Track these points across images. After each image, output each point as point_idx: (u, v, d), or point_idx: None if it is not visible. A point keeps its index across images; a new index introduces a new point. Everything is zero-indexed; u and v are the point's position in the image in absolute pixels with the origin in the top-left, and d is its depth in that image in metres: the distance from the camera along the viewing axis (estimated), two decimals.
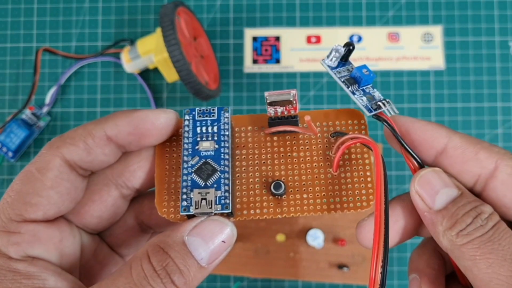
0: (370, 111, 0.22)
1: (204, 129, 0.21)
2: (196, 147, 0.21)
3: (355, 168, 0.22)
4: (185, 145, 0.21)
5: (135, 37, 0.46)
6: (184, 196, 0.20)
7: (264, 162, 0.22)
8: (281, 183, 0.21)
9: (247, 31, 0.46)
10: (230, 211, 0.20)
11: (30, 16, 0.47)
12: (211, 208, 0.20)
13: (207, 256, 0.20)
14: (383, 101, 0.22)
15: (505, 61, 0.45)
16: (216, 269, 0.43)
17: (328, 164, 0.22)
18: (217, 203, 0.20)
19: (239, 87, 0.46)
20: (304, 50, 0.46)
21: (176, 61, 0.38)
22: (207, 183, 0.20)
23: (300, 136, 0.23)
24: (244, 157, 0.22)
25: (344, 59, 0.24)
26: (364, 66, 0.23)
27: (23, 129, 0.44)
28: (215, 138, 0.21)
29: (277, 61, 0.46)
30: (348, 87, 0.23)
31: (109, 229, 0.23)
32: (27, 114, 0.44)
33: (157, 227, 0.24)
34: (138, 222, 0.24)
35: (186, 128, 0.22)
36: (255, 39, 0.46)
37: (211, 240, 0.20)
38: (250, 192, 0.22)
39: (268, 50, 0.46)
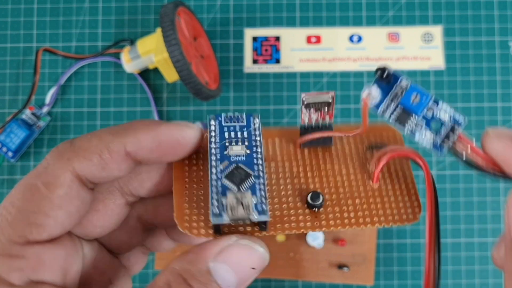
0: (441, 150, 0.18)
1: (232, 134, 0.20)
2: (225, 152, 0.19)
3: (396, 181, 0.21)
4: (212, 150, 0.19)
5: (135, 37, 0.46)
6: (215, 202, 0.18)
7: (296, 176, 0.20)
8: (319, 194, 0.19)
9: (247, 31, 0.46)
10: (269, 218, 0.18)
11: (30, 16, 0.47)
12: (249, 213, 0.18)
13: (234, 284, 0.18)
14: (455, 126, 0.18)
15: (505, 61, 0.45)
16: None
17: (366, 177, 0.20)
18: (254, 209, 0.18)
19: (239, 87, 0.46)
20: (304, 50, 0.46)
21: (176, 61, 0.38)
22: (241, 188, 0.18)
23: (332, 149, 0.21)
24: (273, 170, 0.20)
25: (386, 83, 0.19)
26: (413, 89, 0.18)
27: (23, 129, 0.44)
28: (246, 143, 0.19)
29: (277, 61, 0.46)
30: (404, 127, 0.19)
31: (109, 233, 0.21)
32: (27, 114, 0.44)
33: (163, 224, 0.22)
34: (141, 222, 0.22)
35: (212, 133, 0.19)
36: (255, 39, 0.46)
37: (239, 268, 0.18)
38: (283, 206, 0.20)
39: (268, 50, 0.46)
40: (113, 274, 0.22)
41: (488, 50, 0.46)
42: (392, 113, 0.19)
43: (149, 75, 0.46)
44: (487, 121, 0.45)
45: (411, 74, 0.45)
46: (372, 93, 0.19)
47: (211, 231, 0.18)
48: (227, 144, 0.19)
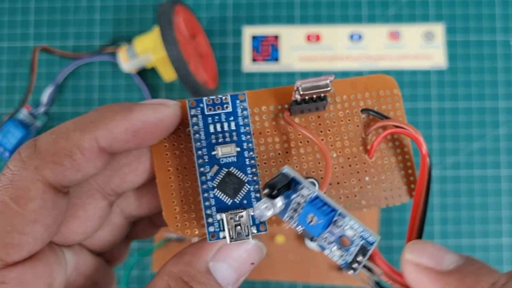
0: (353, 270, 0.16)
1: (218, 126, 0.17)
2: (213, 153, 0.17)
3: (392, 154, 0.19)
4: (198, 152, 0.17)
5: (133, 36, 0.45)
6: (210, 219, 0.17)
7: (288, 153, 0.18)
8: (314, 181, 0.18)
9: (246, 30, 0.46)
10: (267, 230, 0.17)
11: (27, 15, 0.46)
12: (248, 235, 0.17)
13: (233, 280, 0.17)
14: (366, 246, 0.16)
15: (506, 60, 0.45)
16: None
17: (362, 149, 0.19)
18: (252, 224, 0.17)
19: (238, 86, 0.45)
20: (303, 48, 0.46)
21: (174, 60, 0.37)
22: (235, 200, 0.17)
23: (326, 115, 0.19)
24: (263, 148, 0.18)
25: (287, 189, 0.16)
26: (308, 209, 0.16)
27: (20, 129, 0.43)
28: (234, 138, 0.17)
29: (276, 60, 0.45)
30: (312, 241, 0.16)
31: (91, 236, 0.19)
32: (24, 113, 0.44)
33: (147, 213, 0.21)
34: (124, 217, 0.20)
35: (195, 127, 0.17)
36: (254, 37, 0.46)
37: (239, 265, 0.17)
38: None
39: (267, 49, 0.46)
40: (98, 275, 0.20)
41: (490, 49, 0.45)
42: (296, 226, 0.16)
43: (147, 74, 0.45)
44: (488, 120, 0.44)
45: (412, 73, 0.45)
46: (275, 209, 0.16)
47: (205, 230, 0.17)
48: (213, 141, 0.17)
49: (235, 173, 0.17)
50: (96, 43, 0.46)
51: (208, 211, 0.17)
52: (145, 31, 0.45)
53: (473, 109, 0.45)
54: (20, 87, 0.46)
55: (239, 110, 0.18)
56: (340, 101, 0.19)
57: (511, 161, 0.44)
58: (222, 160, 0.17)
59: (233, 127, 0.18)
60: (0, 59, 0.46)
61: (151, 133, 0.17)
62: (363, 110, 0.19)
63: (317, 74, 0.45)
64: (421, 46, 0.45)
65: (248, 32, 0.46)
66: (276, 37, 0.46)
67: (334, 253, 0.16)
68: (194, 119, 0.17)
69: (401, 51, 0.45)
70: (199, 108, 0.17)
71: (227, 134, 0.17)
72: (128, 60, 0.43)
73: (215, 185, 0.17)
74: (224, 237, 0.17)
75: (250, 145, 0.18)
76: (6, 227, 0.15)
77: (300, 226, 0.16)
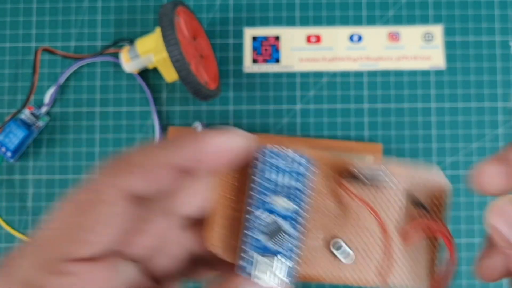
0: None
1: (280, 178, 0.18)
2: (267, 199, 0.18)
3: (421, 245, 0.19)
4: (253, 192, 0.18)
5: (135, 36, 0.46)
6: (245, 255, 0.18)
7: (330, 217, 0.19)
8: (347, 248, 0.19)
9: (246, 31, 0.46)
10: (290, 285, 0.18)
11: (29, 16, 0.47)
12: (275, 282, 0.17)
13: None
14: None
15: (505, 60, 0.45)
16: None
17: (400, 234, 0.19)
18: (284, 275, 0.18)
19: (238, 86, 0.46)
20: (304, 49, 0.46)
21: (175, 61, 0.38)
22: (276, 247, 0.18)
23: (382, 194, 0.19)
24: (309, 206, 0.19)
25: None
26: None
27: (22, 129, 0.44)
28: (292, 194, 0.18)
29: (277, 60, 0.46)
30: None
31: (152, 258, 0.20)
32: (26, 114, 0.44)
33: (211, 259, 0.21)
34: (188, 252, 0.21)
35: (256, 171, 0.18)
36: (254, 38, 0.46)
37: None
38: (313, 253, 0.19)
39: (268, 49, 0.46)
40: None
41: (489, 50, 0.45)
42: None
43: (148, 75, 0.46)
44: (487, 121, 0.45)
45: (412, 73, 0.45)
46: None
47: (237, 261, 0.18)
48: (272, 187, 0.18)
49: (283, 227, 0.18)
50: (97, 43, 0.46)
51: (247, 248, 0.18)
52: (147, 32, 0.46)
53: (472, 109, 0.45)
54: (22, 87, 0.46)
55: (303, 171, 0.18)
56: (393, 185, 0.19)
57: None
58: (274, 209, 0.18)
59: (293, 183, 0.18)
60: (2, 59, 0.46)
61: (220, 157, 0.18)
62: (414, 201, 0.19)
63: (318, 74, 0.46)
64: (420, 47, 0.46)
65: (249, 33, 0.46)
66: (276, 38, 0.46)
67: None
68: (257, 163, 0.18)
69: (401, 51, 0.46)
70: (264, 154, 0.18)
71: (285, 189, 0.18)
72: (129, 61, 0.43)
73: (260, 228, 0.18)
74: (250, 274, 0.17)
75: (304, 205, 0.18)
76: (80, 224, 0.16)
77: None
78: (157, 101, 0.45)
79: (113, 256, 0.18)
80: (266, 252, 0.18)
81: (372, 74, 0.46)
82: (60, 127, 0.46)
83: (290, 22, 0.46)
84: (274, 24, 0.46)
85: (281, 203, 0.18)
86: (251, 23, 0.46)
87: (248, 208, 0.18)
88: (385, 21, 0.46)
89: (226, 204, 0.19)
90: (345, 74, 0.46)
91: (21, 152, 0.45)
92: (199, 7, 0.46)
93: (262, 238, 0.18)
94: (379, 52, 0.46)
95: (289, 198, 0.18)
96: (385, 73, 0.46)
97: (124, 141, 0.45)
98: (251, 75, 0.46)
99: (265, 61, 0.46)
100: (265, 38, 0.46)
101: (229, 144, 0.18)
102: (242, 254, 0.18)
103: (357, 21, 0.46)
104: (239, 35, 0.46)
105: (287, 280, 0.18)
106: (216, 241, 0.18)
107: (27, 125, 0.44)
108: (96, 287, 0.17)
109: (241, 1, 0.46)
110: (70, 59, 0.46)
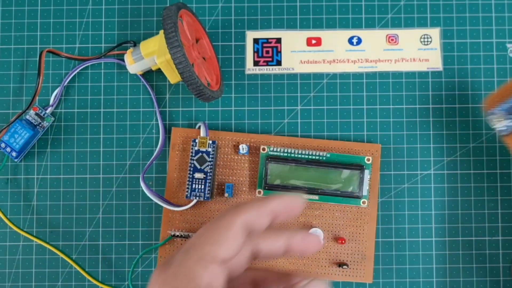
0: None
1: None
2: None
3: None
4: None
5: (138, 38, 0.46)
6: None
7: None
8: None
9: (248, 33, 0.47)
10: None
11: (33, 18, 0.47)
12: None
13: None
14: None
15: (503, 63, 0.46)
16: None
17: None
18: None
19: (240, 88, 0.46)
20: (304, 52, 0.47)
21: (178, 63, 0.38)
22: None
23: None
24: None
25: None
26: None
27: (27, 130, 0.44)
28: None
29: (278, 62, 0.46)
30: None
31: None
32: (31, 114, 0.45)
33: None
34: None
35: None
36: (256, 41, 0.47)
37: None
38: None
39: (269, 52, 0.47)
40: None
41: (486, 51, 0.46)
42: None
43: (152, 76, 0.46)
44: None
45: (410, 75, 0.46)
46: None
47: None
48: None
49: None
50: (101, 45, 0.47)
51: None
52: (150, 33, 0.46)
53: (469, 109, 0.46)
54: (27, 88, 0.47)
55: None
56: None
57: (507, 161, 0.45)
58: None
59: None
60: (7, 60, 0.47)
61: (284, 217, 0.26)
62: None
63: (318, 76, 0.46)
64: (418, 49, 0.46)
65: (250, 35, 0.47)
66: (277, 41, 0.47)
67: None
68: None
69: (399, 53, 0.46)
70: None
71: None
72: (133, 63, 0.44)
73: None
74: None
75: None
76: (217, 239, 0.24)
77: None
78: (160, 101, 0.46)
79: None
80: None
81: (371, 75, 0.46)
82: (64, 127, 0.46)
83: (291, 25, 0.47)
84: (275, 27, 0.47)
85: None
86: (253, 25, 0.47)
87: None
88: (384, 24, 0.47)
89: None
90: (344, 76, 0.46)
91: (25, 152, 0.45)
92: (201, 10, 0.47)
93: None
94: (378, 54, 0.46)
95: None
96: (384, 75, 0.46)
97: (127, 141, 0.46)
98: (253, 77, 0.47)
99: (267, 63, 0.46)
100: (267, 41, 0.47)
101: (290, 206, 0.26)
102: None
103: (357, 24, 0.47)
104: (241, 37, 0.47)
105: None
106: None
107: (32, 126, 0.45)
108: (222, 280, 0.23)
109: (242, 4, 0.47)
110: (75, 60, 0.46)
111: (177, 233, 0.43)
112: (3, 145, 0.44)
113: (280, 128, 0.46)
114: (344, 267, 0.43)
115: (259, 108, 0.46)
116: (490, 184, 0.45)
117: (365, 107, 0.46)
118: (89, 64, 0.46)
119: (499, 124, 0.33)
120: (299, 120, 0.46)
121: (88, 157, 0.46)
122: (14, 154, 0.44)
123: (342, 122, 0.46)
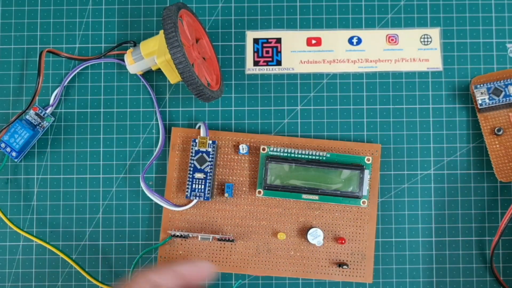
0: None
1: None
2: None
3: None
4: None
5: (138, 38, 0.46)
6: None
7: None
8: None
9: (248, 33, 0.47)
10: None
11: (34, 18, 0.47)
12: None
13: None
14: None
15: (503, 63, 0.46)
16: (218, 267, 0.43)
17: None
18: None
19: (240, 88, 0.46)
20: (304, 52, 0.47)
21: (178, 63, 0.38)
22: None
23: None
24: None
25: None
26: None
27: (27, 130, 0.44)
28: None
29: (278, 62, 0.46)
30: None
31: None
32: (31, 114, 0.45)
33: None
34: None
35: None
36: (256, 41, 0.47)
37: None
38: None
39: (269, 52, 0.47)
40: None
41: (486, 51, 0.46)
42: None
43: (152, 76, 0.46)
44: None
45: (410, 75, 0.46)
46: None
47: None
48: None
49: None
50: (101, 45, 0.47)
51: None
52: (150, 33, 0.46)
53: (469, 109, 0.46)
54: (27, 88, 0.47)
55: None
56: None
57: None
58: None
59: None
60: (7, 60, 0.47)
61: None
62: None
63: (318, 76, 0.46)
64: (418, 49, 0.46)
65: (250, 35, 0.47)
66: (277, 41, 0.47)
67: None
68: None
69: (399, 53, 0.46)
70: None
71: None
72: (133, 63, 0.44)
73: None
74: None
75: None
76: None
77: None
78: (160, 101, 0.46)
79: None
80: None
81: (371, 75, 0.46)
82: (64, 127, 0.46)
83: (291, 25, 0.47)
84: (275, 27, 0.47)
85: None
86: (253, 25, 0.47)
87: None
88: (384, 24, 0.47)
89: None
90: (344, 76, 0.46)
91: (25, 152, 0.45)
92: (201, 9, 0.47)
93: None
94: (378, 54, 0.46)
95: None
96: (384, 75, 0.46)
97: (127, 141, 0.46)
98: (253, 77, 0.47)
99: (267, 63, 0.46)
100: (267, 41, 0.47)
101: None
102: None
103: (357, 24, 0.47)
104: (240, 37, 0.47)
105: None
106: None
107: (32, 126, 0.45)
108: None
109: (242, 3, 0.47)
110: (74, 60, 0.46)
111: (177, 233, 0.43)
112: (3, 145, 0.44)
113: (280, 128, 0.46)
114: (344, 267, 0.43)
115: (259, 108, 0.46)
116: (490, 184, 0.45)
117: (365, 107, 0.46)
118: (89, 64, 0.46)
119: (481, 97, 0.40)
120: (299, 120, 0.46)
121: (88, 157, 0.46)
122: (14, 154, 0.44)
123: (342, 122, 0.46)
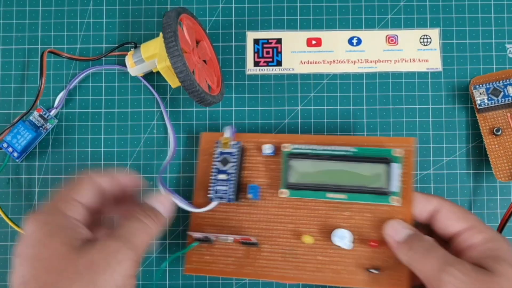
0: None
1: None
2: None
3: None
4: None
5: (139, 39, 0.47)
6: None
7: None
8: None
9: (248, 34, 0.47)
10: None
11: (35, 18, 0.47)
12: None
13: None
14: None
15: (502, 63, 0.46)
16: (242, 274, 0.41)
17: None
18: None
19: (241, 88, 0.47)
20: (304, 52, 0.47)
21: (179, 72, 0.38)
22: None
23: None
24: None
25: None
26: None
27: (30, 131, 0.44)
28: None
29: (278, 63, 0.47)
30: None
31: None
32: (34, 116, 0.45)
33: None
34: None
35: None
36: (256, 41, 0.47)
37: None
38: None
39: (270, 52, 0.47)
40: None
41: (485, 52, 0.46)
42: None
43: (153, 77, 0.46)
44: None
45: (409, 75, 0.46)
46: None
47: None
48: None
49: None
50: (102, 45, 0.47)
51: None
52: (151, 34, 0.46)
53: (469, 109, 0.46)
54: (28, 88, 0.47)
55: None
56: None
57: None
58: None
59: None
60: (8, 61, 0.47)
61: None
62: None
63: (318, 76, 0.47)
64: (418, 49, 0.47)
65: (251, 36, 0.47)
66: (278, 41, 0.47)
67: None
68: None
69: (399, 54, 0.47)
70: None
71: None
72: (134, 65, 0.44)
73: None
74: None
75: None
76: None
77: None
78: (161, 102, 0.46)
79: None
80: None
81: (371, 76, 0.46)
82: (65, 128, 0.46)
83: (291, 25, 0.47)
84: (275, 28, 0.47)
85: None
86: (253, 26, 0.47)
87: None
88: (384, 25, 0.47)
89: None
90: (344, 76, 0.46)
91: (27, 153, 0.45)
92: (201, 10, 0.47)
93: None
94: (377, 54, 0.47)
95: None
96: (384, 75, 0.46)
97: (128, 141, 0.46)
98: (253, 77, 0.47)
99: (267, 63, 0.47)
100: (267, 41, 0.47)
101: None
102: None
103: (357, 25, 0.47)
104: (241, 38, 0.47)
105: None
106: None
107: (35, 127, 0.45)
108: (82, 210, 0.34)
109: (243, 4, 0.47)
110: (76, 61, 0.46)
111: (199, 235, 0.41)
112: (5, 145, 0.44)
113: (280, 128, 0.46)
114: (373, 271, 0.38)
115: (259, 108, 0.46)
116: (489, 184, 0.45)
117: (365, 107, 0.46)
118: (91, 71, 0.46)
119: (480, 97, 0.42)
120: (299, 120, 0.46)
121: (90, 157, 0.46)
122: (15, 154, 0.45)
123: (342, 122, 0.46)
